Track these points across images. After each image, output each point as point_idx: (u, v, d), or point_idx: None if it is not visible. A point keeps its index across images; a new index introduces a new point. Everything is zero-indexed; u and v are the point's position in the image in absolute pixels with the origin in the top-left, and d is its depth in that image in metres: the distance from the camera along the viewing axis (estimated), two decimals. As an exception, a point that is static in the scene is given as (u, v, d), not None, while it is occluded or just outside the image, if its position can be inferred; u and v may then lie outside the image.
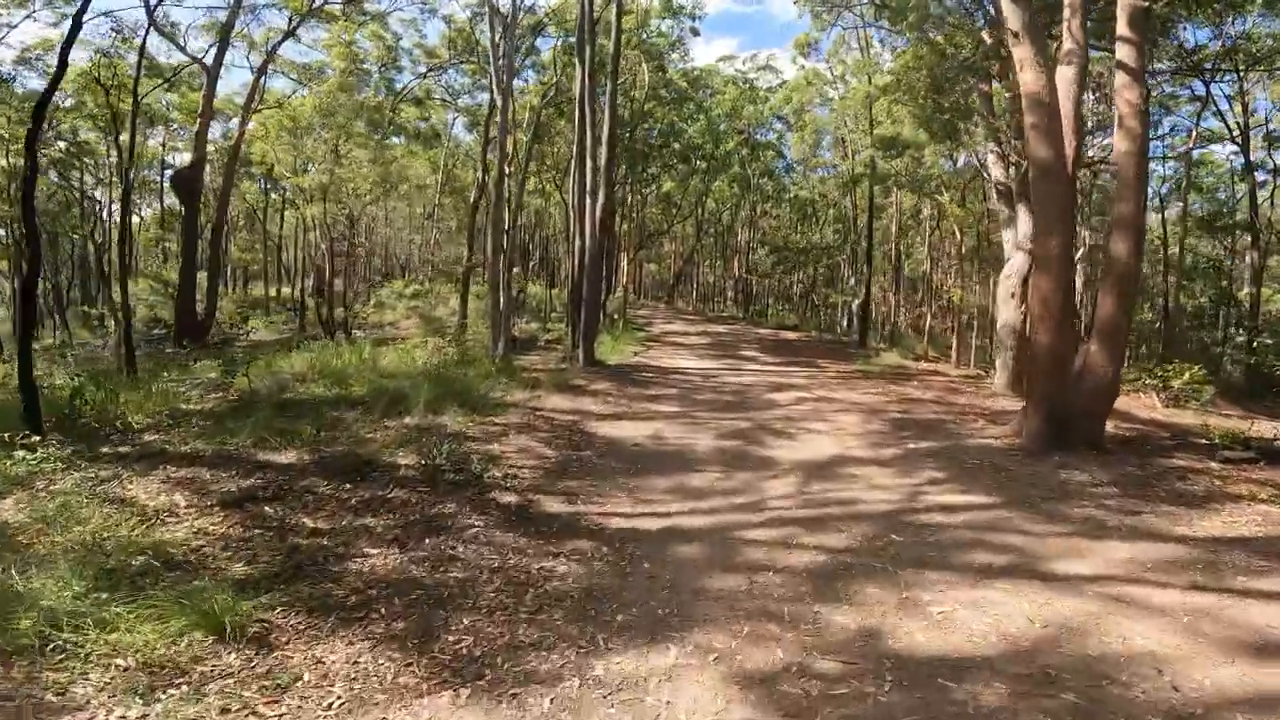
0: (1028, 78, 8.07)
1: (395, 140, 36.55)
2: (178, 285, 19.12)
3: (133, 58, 16.51)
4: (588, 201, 14.19)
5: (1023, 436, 8.00)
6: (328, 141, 16.90)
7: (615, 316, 23.58)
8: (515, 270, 37.01)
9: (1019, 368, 11.90)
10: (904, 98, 14.92)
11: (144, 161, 27.85)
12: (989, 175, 13.59)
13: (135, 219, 33.08)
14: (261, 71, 22.24)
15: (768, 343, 20.55)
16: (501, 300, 13.21)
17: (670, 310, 35.70)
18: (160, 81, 18.95)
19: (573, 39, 18.26)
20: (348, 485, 6.05)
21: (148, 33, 15.59)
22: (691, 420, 9.27)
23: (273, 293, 31.88)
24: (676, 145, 28.71)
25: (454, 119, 34.55)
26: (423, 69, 29.71)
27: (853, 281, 25.26)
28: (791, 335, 23.72)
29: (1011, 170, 13.09)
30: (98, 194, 27.57)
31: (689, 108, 27.11)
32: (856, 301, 24.04)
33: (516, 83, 23.60)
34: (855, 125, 24.46)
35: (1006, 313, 12.10)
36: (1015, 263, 12.17)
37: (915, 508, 5.89)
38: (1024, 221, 12.35)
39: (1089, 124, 13.55)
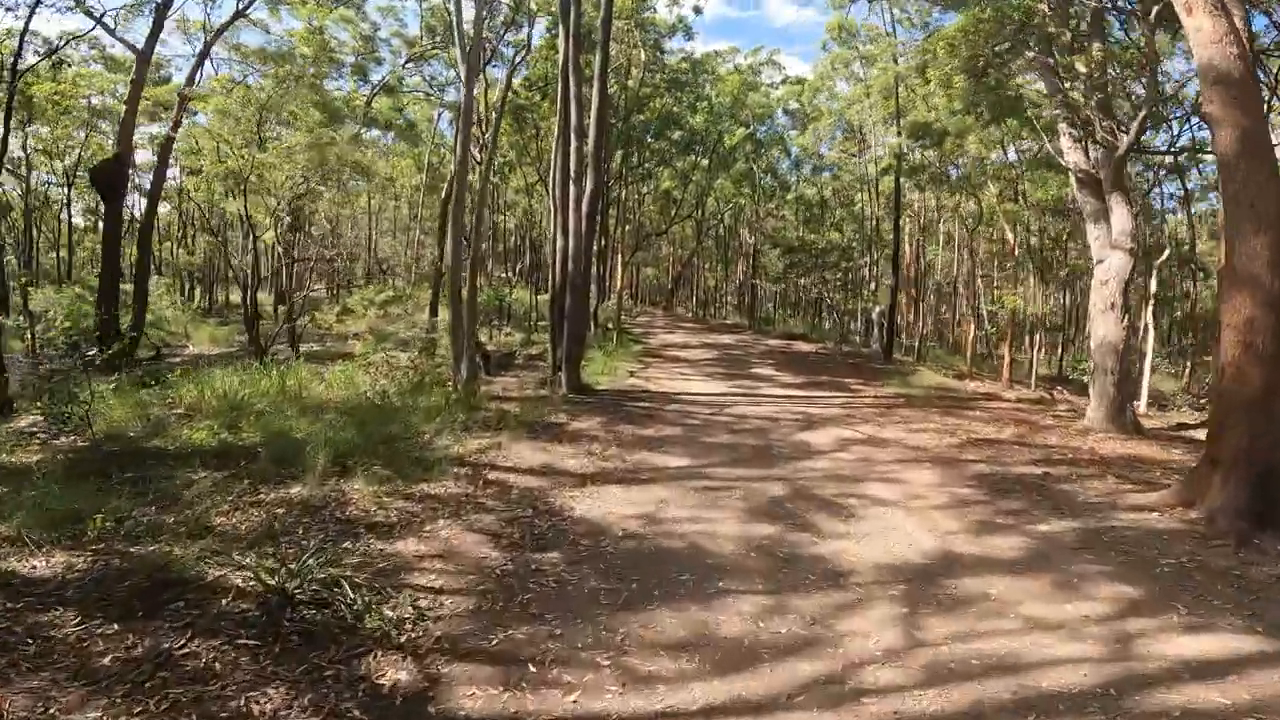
0: (1201, 24, 5.59)
1: (371, 133, 34.06)
2: (97, 293, 16.48)
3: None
4: (572, 190, 11.62)
5: (1203, 509, 5.44)
6: (244, 122, 14.27)
7: (609, 326, 21.02)
8: (502, 275, 34.38)
9: (1122, 397, 9.35)
10: (948, 73, 12.40)
11: (90, 157, 25.26)
12: (1067, 162, 11.05)
13: (80, 221, 30.41)
14: (204, 56, 19.60)
15: (781, 356, 17.99)
16: (464, 313, 10.62)
17: (669, 318, 33.12)
18: (41, 58, 16.26)
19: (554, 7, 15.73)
20: (118, 627, 3.53)
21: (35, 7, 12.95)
22: (706, 482, 6.67)
23: (236, 299, 29.22)
24: (676, 135, 26.20)
25: (440, 114, 32.04)
26: (403, 59, 27.30)
27: (873, 287, 22.74)
28: (805, 347, 21.16)
29: (1096, 154, 10.56)
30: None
31: (689, 96, 24.59)
32: (877, 309, 21.49)
33: (496, 72, 21.11)
34: (879, 113, 21.97)
35: (1104, 327, 9.56)
36: (1112, 265, 9.64)
37: (1142, 680, 3.31)
38: (1121, 215, 9.83)
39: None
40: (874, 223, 23.69)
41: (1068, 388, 14.21)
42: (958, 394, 12.87)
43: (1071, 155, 11.03)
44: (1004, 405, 11.75)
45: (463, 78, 12.17)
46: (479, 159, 14.34)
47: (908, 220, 23.16)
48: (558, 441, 7.98)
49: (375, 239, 44.53)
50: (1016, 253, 14.53)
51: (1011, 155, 15.65)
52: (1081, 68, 11.05)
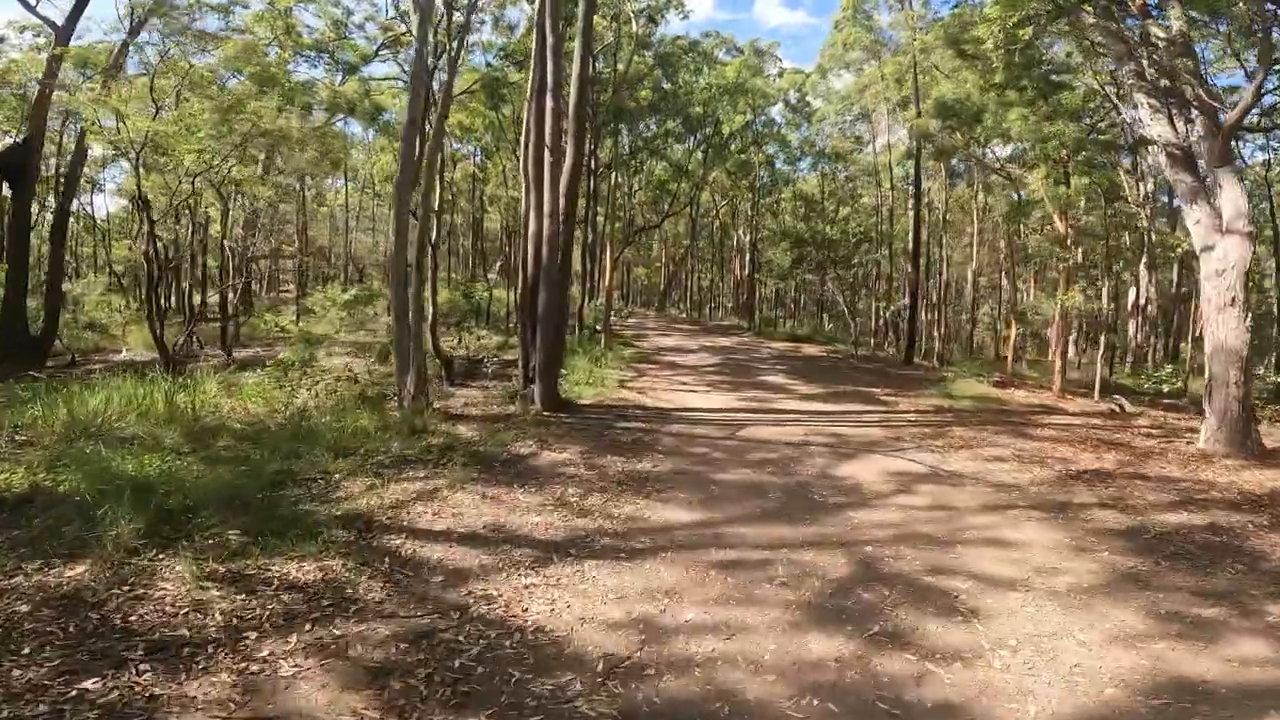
0: None
1: (352, 129, 31.81)
2: (3, 293, 14.22)
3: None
4: (547, 162, 9.50)
5: None
6: (159, 92, 11.90)
7: (596, 328, 18.90)
8: (491, 276, 32.15)
9: (1246, 414, 7.31)
10: (1000, 33, 10.38)
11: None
12: (1151, 135, 9.06)
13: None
14: (134, 33, 17.37)
15: (790, 361, 15.92)
16: (410, 312, 8.45)
17: (663, 319, 31.06)
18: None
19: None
20: None
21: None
22: (727, 553, 4.55)
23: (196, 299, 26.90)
24: (670, 123, 24.17)
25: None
26: (377, 46, 25.10)
27: (884, 286, 20.70)
28: (813, 350, 19.11)
29: (1191, 125, 8.56)
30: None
31: (686, 75, 22.52)
32: (891, 309, 19.47)
33: (473, 58, 18.98)
34: (896, 94, 20.02)
35: (1223, 328, 7.52)
36: (1229, 253, 7.60)
37: None
38: (1233, 194, 7.82)
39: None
40: (888, 214, 21.65)
41: (1129, 397, 12.20)
42: (1009, 407, 10.82)
43: (1156, 128, 9.03)
44: (1073, 421, 9.70)
45: (414, 27, 10.03)
46: (429, 127, 12.22)
47: (936, 211, 21.12)
48: (519, 483, 5.83)
49: (352, 237, 42.34)
50: (1069, 243, 12.47)
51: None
52: (1159, 31, 9.13)
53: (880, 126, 24.88)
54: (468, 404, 9.46)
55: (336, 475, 5.68)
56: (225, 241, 18.08)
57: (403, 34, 24.36)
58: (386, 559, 4.11)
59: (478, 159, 27.81)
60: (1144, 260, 14.92)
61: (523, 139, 10.20)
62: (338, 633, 3.26)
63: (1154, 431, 8.93)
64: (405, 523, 4.76)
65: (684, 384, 11.90)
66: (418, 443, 6.91)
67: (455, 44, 12.36)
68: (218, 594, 3.47)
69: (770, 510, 5.48)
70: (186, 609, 3.32)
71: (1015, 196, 14.98)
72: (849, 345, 20.16)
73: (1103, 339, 13.01)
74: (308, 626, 3.28)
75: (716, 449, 7.42)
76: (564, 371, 11.09)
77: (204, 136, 11.48)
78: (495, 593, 3.80)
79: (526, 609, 3.64)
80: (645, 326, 25.54)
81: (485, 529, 4.78)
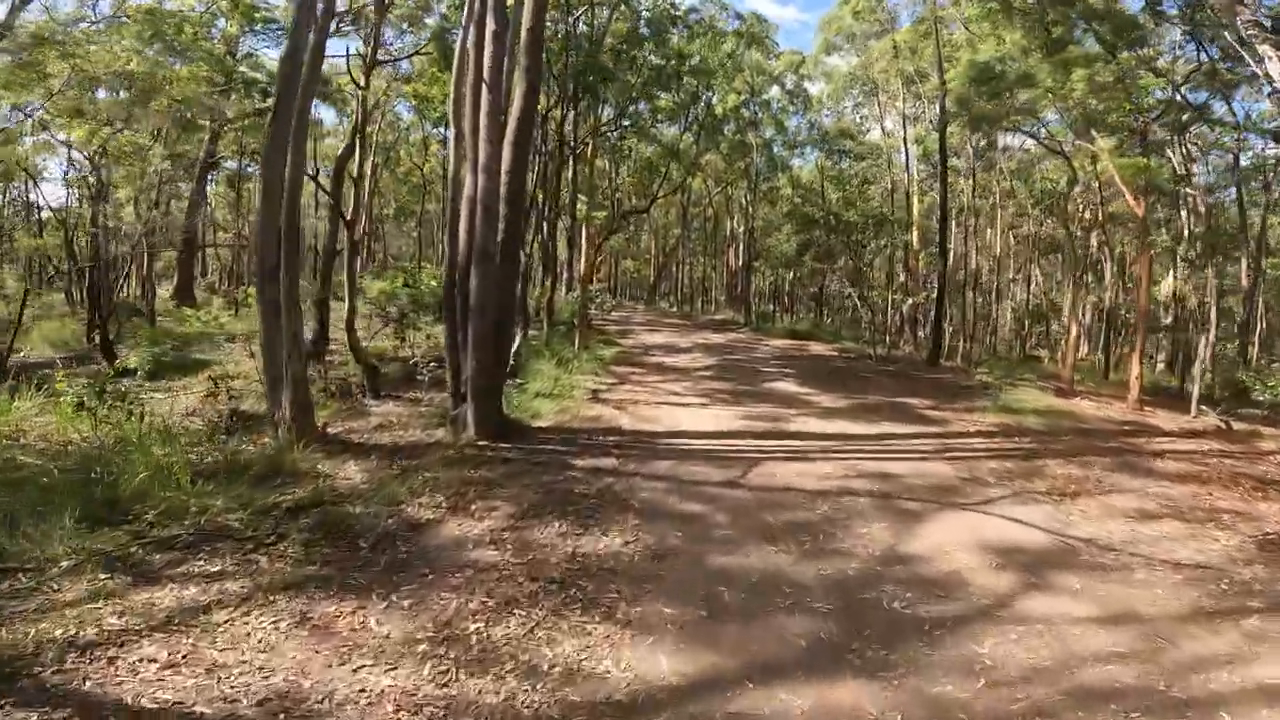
0: None
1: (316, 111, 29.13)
2: None
3: None
4: (485, 103, 6.99)
5: None
6: None
7: (574, 323, 16.46)
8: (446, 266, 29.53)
9: None
10: None
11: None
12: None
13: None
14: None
15: (797, 363, 13.52)
16: (283, 313, 5.91)
17: (652, 313, 28.58)
18: None
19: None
20: None
21: None
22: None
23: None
24: (663, 99, 21.68)
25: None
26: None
27: (902, 277, 18.32)
28: (820, 348, 16.72)
29: None
30: None
31: (676, 44, 19.99)
32: (908, 303, 17.14)
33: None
34: (915, 64, 17.62)
35: None
36: None
37: None
38: None
39: None
40: (907, 198, 19.22)
41: (1213, 407, 9.87)
42: (1090, 425, 8.46)
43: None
44: (1186, 445, 7.35)
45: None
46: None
47: (960, 196, 18.71)
48: (385, 588, 3.40)
49: (309, 223, 39.48)
50: (1148, 225, 10.13)
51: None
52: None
53: (889, 105, 22.43)
54: (383, 426, 7.00)
55: (64, 563, 3.24)
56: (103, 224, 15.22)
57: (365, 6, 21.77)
58: None
59: (443, 137, 25.15)
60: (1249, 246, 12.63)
61: (454, 71, 7.66)
62: None
63: (1263, 445, 6.59)
64: (94, 682, 2.31)
65: (674, 394, 9.47)
66: (262, 498, 4.47)
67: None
68: None
69: (822, 643, 3.08)
70: None
71: (1055, 176, 12.58)
72: (860, 343, 17.79)
73: (1206, 338, 10.60)
74: None
75: (720, 505, 5.00)
76: (519, 381, 8.63)
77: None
78: None
79: None
80: (632, 321, 23.08)
81: (257, 710, 2.34)
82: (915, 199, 18.30)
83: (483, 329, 6.46)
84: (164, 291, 24.40)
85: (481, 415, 6.44)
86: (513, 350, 8.65)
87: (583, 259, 12.21)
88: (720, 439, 6.97)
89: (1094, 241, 16.47)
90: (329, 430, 6.59)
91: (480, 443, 6.33)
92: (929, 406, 9.23)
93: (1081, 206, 13.22)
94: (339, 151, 14.10)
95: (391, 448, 6.23)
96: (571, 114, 15.69)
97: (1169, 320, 13.56)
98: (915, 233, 18.36)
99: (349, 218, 10.04)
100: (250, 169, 26.11)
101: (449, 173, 7.45)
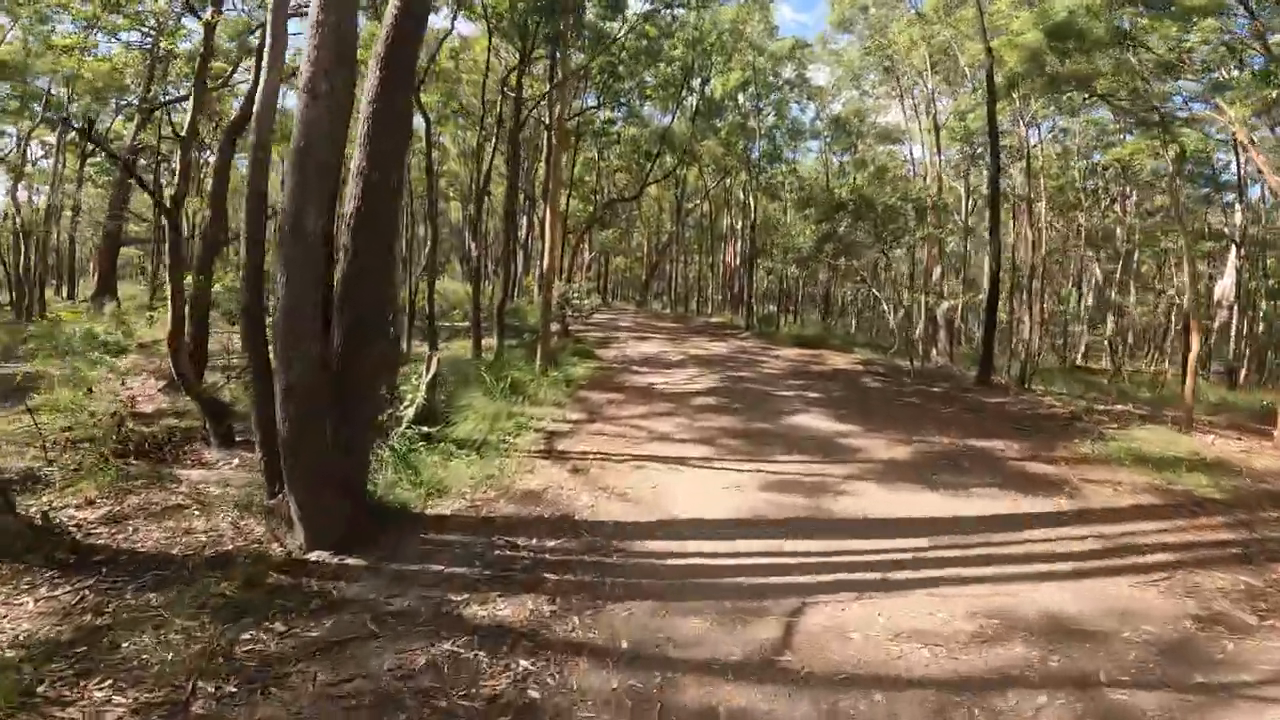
0: None
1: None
2: None
3: None
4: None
5: None
6: None
7: (545, 333, 13.75)
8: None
9: None
10: None
11: None
12: None
13: None
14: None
15: (821, 382, 10.80)
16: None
17: (643, 315, 25.80)
18: None
19: None
20: None
21: None
22: None
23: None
24: (650, 79, 18.98)
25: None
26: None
27: (936, 273, 15.52)
28: (841, 361, 13.99)
29: None
30: None
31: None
32: (944, 306, 14.49)
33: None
34: (949, 32, 14.93)
35: None
36: None
37: None
38: None
39: None
40: (939, 184, 16.46)
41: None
42: (1265, 479, 5.76)
43: None
44: None
45: None
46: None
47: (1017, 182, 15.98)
48: None
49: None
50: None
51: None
52: None
53: (910, 86, 19.66)
54: (178, 509, 4.25)
55: None
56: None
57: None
58: None
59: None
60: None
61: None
62: None
63: None
64: None
65: (662, 438, 6.72)
66: None
67: None
68: None
69: None
70: None
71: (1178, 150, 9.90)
72: (884, 353, 15.11)
73: None
74: None
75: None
76: (432, 430, 5.80)
77: None
78: None
79: None
80: (618, 325, 20.32)
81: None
82: (943, 186, 15.55)
83: (297, 370, 3.63)
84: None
85: (313, 510, 3.66)
86: (425, 382, 5.87)
87: (547, 252, 9.36)
88: (735, 537, 4.23)
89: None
90: (60, 522, 3.82)
91: (312, 558, 3.57)
92: (1024, 454, 6.51)
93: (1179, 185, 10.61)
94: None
95: (152, 559, 3.48)
96: (546, 75, 12.93)
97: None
98: (949, 224, 15.66)
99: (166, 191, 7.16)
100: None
101: (257, 104, 4.59)
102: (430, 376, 5.87)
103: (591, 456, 5.87)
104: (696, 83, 21.37)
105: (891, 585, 3.63)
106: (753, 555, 3.99)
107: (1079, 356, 17.15)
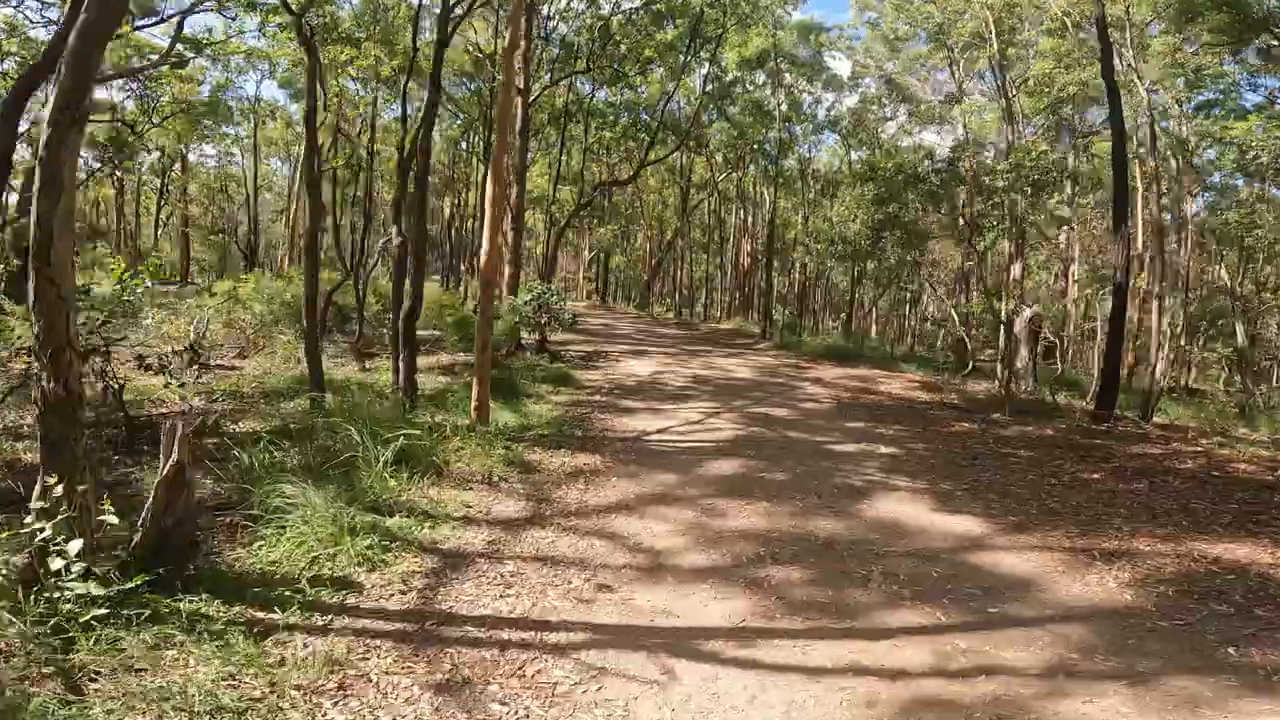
0: None
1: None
2: None
3: None
4: None
5: None
6: None
7: (512, 350, 10.66)
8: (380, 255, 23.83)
9: None
10: None
11: None
12: None
13: None
14: None
15: (892, 424, 7.67)
16: None
17: (643, 321, 22.61)
18: None
19: None
20: None
21: None
22: None
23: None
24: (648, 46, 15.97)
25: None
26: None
27: (1016, 269, 12.28)
28: (894, 385, 10.85)
29: None
30: None
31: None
32: (1027, 312, 11.40)
33: None
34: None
35: None
36: None
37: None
38: None
39: None
40: (1026, 167, 13.22)
41: None
42: None
43: None
44: None
45: None
46: None
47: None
48: None
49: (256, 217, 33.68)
50: None
51: None
52: None
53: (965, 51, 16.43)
54: None
55: None
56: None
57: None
58: None
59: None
60: None
61: None
62: None
63: None
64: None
65: (649, 573, 3.62)
66: None
67: None
68: None
69: None
70: None
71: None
72: (940, 372, 11.98)
73: None
74: None
75: None
76: (213, 555, 2.68)
77: None
78: None
79: None
80: (614, 333, 17.18)
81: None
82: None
83: None
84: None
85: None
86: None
87: (486, 239, 6.14)
88: None
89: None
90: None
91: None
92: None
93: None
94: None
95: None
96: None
97: None
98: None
99: None
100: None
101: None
102: (165, 471, 2.77)
103: (504, 633, 2.77)
104: (704, 53, 18.33)
105: None
106: None
107: (1189, 376, 13.95)
